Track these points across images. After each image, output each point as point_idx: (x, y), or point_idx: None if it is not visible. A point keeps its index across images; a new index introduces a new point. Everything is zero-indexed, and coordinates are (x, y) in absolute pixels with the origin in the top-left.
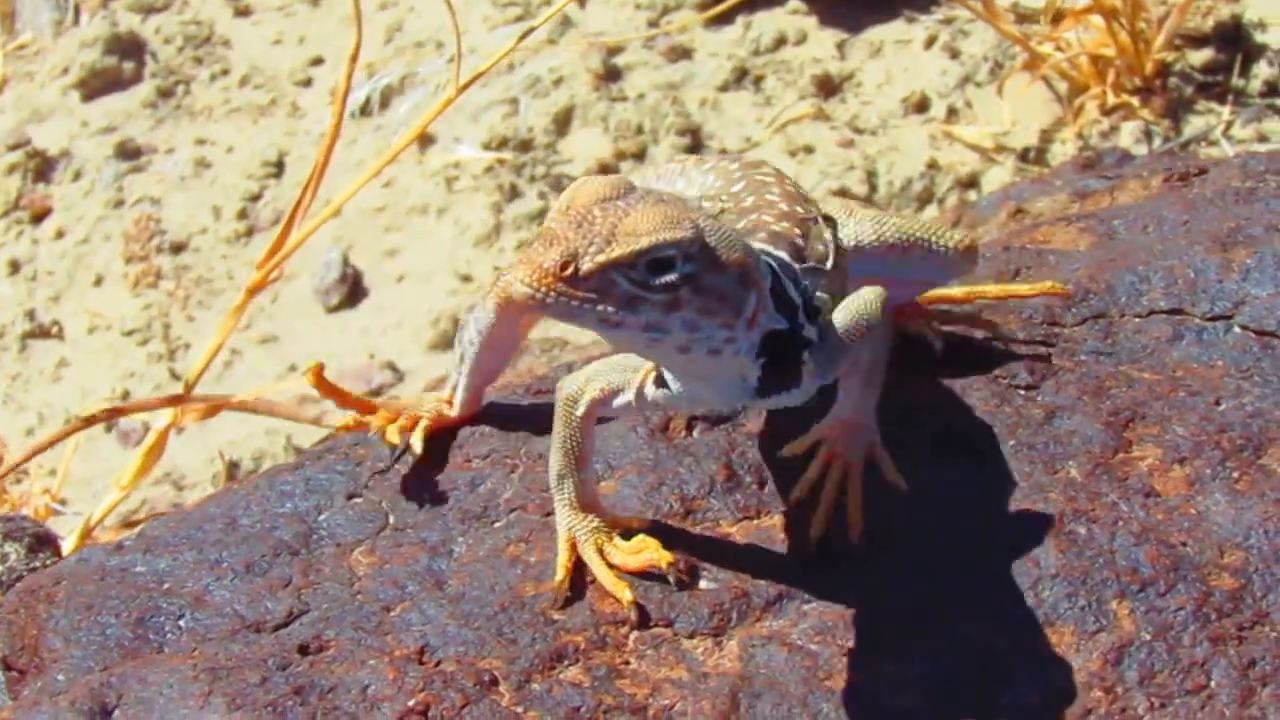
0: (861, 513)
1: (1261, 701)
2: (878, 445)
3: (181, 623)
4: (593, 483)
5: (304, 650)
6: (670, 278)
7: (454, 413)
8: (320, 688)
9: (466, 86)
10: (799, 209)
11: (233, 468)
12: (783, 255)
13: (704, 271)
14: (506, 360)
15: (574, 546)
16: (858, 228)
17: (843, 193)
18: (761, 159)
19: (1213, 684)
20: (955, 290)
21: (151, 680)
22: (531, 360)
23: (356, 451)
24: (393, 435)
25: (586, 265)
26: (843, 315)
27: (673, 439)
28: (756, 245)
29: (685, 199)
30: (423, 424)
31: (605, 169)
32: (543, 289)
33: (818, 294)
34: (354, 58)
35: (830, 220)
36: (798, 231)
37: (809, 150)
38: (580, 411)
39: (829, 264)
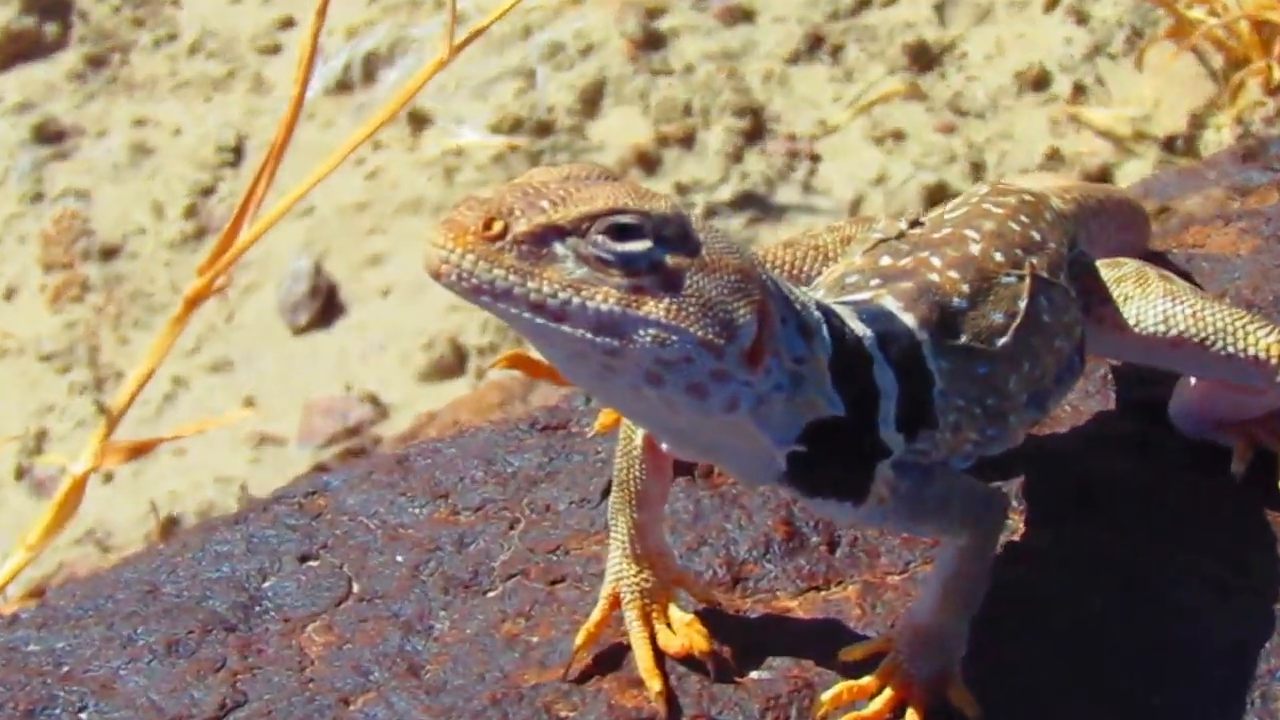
0: None
1: None
2: (955, 676)
3: (83, 716)
4: (657, 528)
5: None
6: (635, 247)
7: None
8: None
9: (464, 46)
10: (999, 255)
11: (170, 525)
12: (905, 318)
13: (683, 264)
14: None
15: (615, 602)
16: (1140, 307)
17: (940, 191)
18: (1043, 193)
19: None
20: None
21: None
22: (543, 393)
23: (314, 501)
24: None
25: (521, 225)
26: (952, 485)
27: (718, 485)
28: (857, 298)
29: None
30: None
31: (645, 159)
32: (458, 251)
33: (946, 391)
34: (322, 10)
35: (1048, 284)
36: (965, 288)
37: (899, 137)
38: (637, 439)
39: (1000, 343)
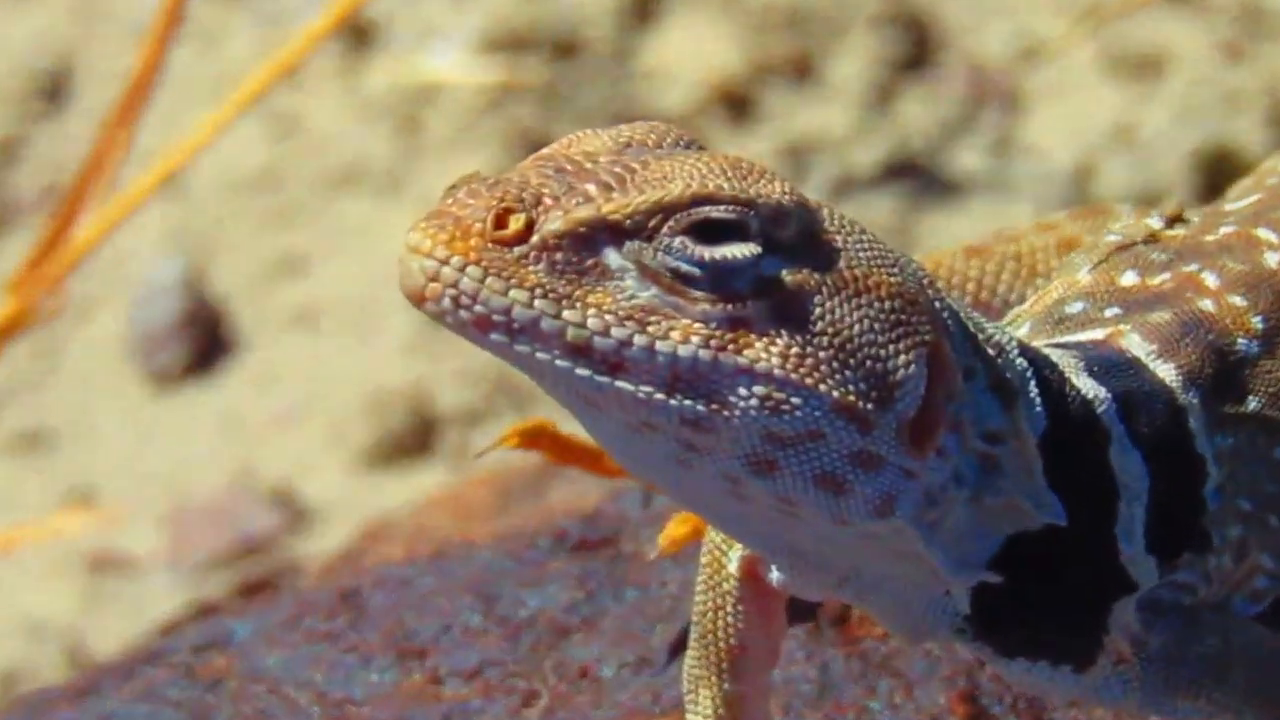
0: None
1: None
2: None
3: None
4: (761, 705)
5: None
6: (734, 254)
7: None
8: None
9: None
10: None
11: None
12: (1161, 371)
13: (808, 282)
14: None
15: None
16: None
17: (1221, 158)
18: None
19: None
20: None
21: None
22: (570, 486)
23: (209, 661)
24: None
25: (555, 221)
26: (1232, 639)
27: (858, 638)
28: (1084, 338)
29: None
30: None
31: (731, 99)
32: (455, 262)
33: (1225, 489)
34: None
35: None
36: (1255, 323)
37: (1154, 67)
38: (730, 564)
39: None
